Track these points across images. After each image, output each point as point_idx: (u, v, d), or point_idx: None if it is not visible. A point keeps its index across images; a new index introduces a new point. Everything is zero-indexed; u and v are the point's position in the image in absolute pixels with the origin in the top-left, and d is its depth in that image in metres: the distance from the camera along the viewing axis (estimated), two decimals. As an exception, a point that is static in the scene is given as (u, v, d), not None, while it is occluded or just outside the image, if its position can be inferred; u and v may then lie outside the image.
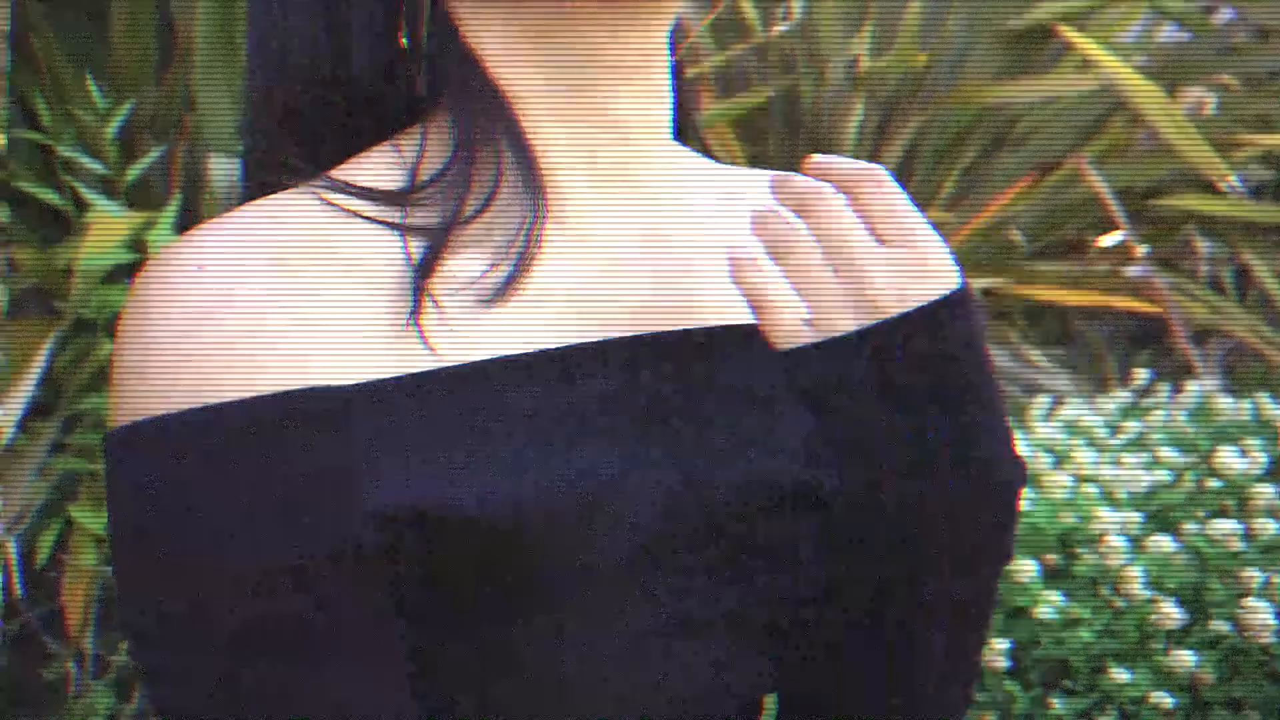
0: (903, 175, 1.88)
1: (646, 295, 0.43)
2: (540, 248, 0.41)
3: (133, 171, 1.10)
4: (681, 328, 0.44)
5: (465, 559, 0.37)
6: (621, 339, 0.42)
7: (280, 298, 0.37)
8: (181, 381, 0.36)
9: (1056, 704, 1.09)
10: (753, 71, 1.89)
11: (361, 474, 0.36)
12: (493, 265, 0.40)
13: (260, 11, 0.43)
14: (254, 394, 0.35)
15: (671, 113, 0.45)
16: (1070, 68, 1.84)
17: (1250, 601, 1.03)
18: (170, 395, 0.36)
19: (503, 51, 0.42)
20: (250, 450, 0.35)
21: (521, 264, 0.40)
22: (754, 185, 0.50)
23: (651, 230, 0.44)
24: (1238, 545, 1.10)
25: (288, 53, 0.42)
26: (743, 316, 0.45)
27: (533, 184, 0.41)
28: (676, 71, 0.47)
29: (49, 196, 1.12)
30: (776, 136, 1.87)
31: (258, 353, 0.36)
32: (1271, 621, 1.02)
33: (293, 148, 0.43)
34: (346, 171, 0.42)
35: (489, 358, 0.39)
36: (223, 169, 1.11)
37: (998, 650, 1.12)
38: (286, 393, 0.36)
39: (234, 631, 0.36)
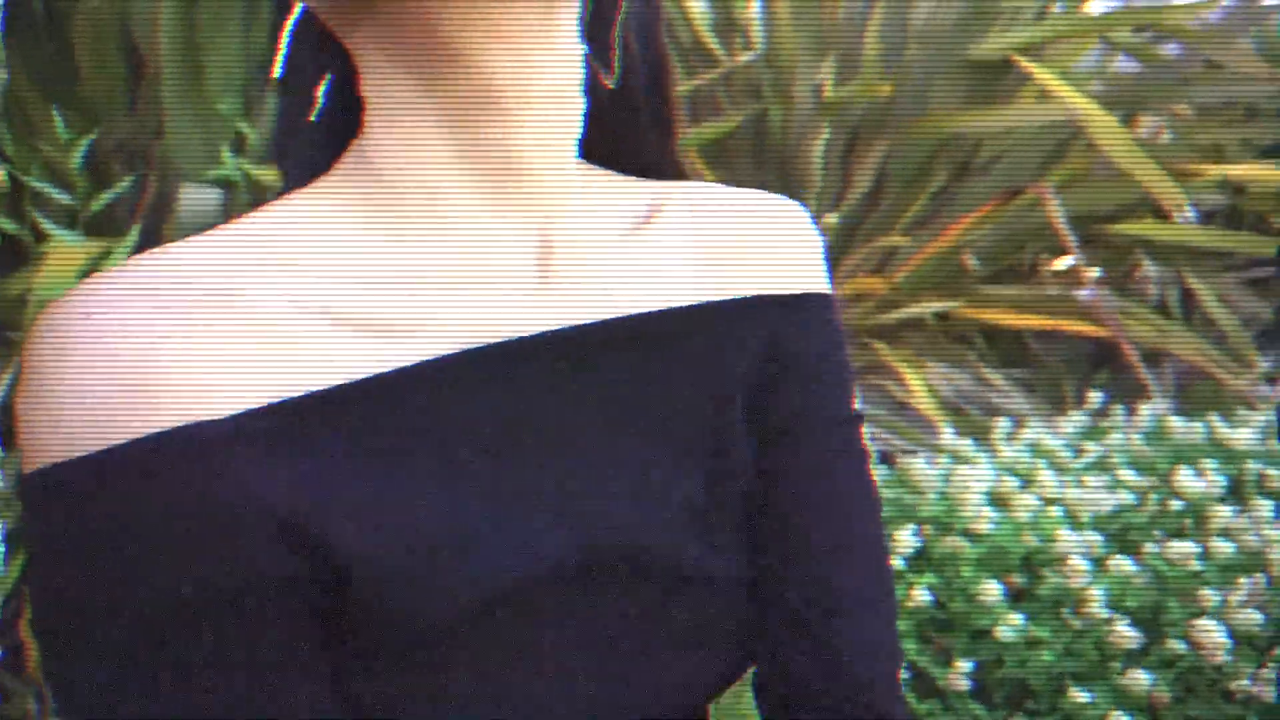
0: (870, 201, 1.91)
1: (539, 320, 0.43)
2: (437, 274, 0.42)
3: (97, 202, 1.08)
4: (581, 322, 0.43)
5: (365, 591, 0.38)
6: (543, 335, 0.42)
7: (165, 336, 0.37)
8: (75, 428, 0.36)
9: (1022, 725, 1.11)
10: (721, 98, 1.92)
11: (251, 504, 0.36)
12: (388, 296, 0.41)
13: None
14: (143, 434, 0.36)
15: (580, 132, 0.45)
16: (1030, 97, 1.89)
17: (1203, 621, 1.06)
18: (67, 443, 0.36)
19: (393, 85, 0.42)
20: (137, 490, 0.36)
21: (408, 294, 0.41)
22: (668, 194, 0.50)
23: (548, 256, 0.44)
24: (1195, 565, 1.13)
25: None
26: (639, 307, 0.45)
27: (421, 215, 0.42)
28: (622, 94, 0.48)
29: (5, 225, 1.09)
30: (745, 162, 1.89)
31: (145, 394, 0.36)
32: (1224, 640, 1.05)
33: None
34: (276, 208, 0.43)
35: (370, 375, 0.39)
36: (192, 199, 1.09)
37: (960, 671, 1.13)
38: (166, 431, 0.36)
39: (155, 670, 0.36)
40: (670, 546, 0.44)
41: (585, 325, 0.43)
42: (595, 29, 0.46)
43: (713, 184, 0.52)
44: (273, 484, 0.36)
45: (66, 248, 1.05)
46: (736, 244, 0.49)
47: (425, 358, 0.40)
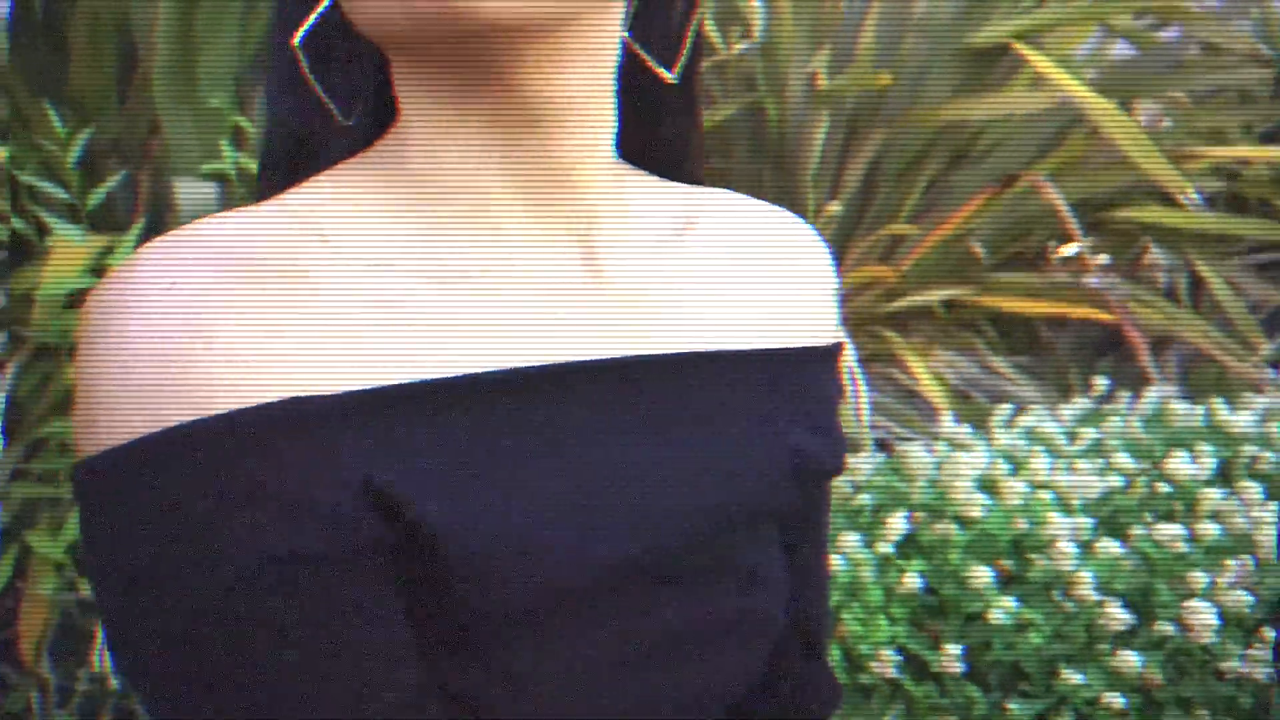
0: (866, 191, 1.92)
1: (589, 321, 0.45)
2: (483, 274, 0.43)
3: (94, 197, 1.11)
4: (638, 353, 0.45)
5: (445, 572, 0.38)
6: (594, 362, 0.44)
7: (253, 313, 0.37)
8: (164, 401, 0.36)
9: (1013, 707, 1.12)
10: (716, 88, 1.92)
11: (348, 481, 0.37)
12: (441, 291, 0.42)
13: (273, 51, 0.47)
14: (227, 409, 0.36)
15: (615, 135, 0.46)
16: (1027, 84, 1.88)
17: (1192, 603, 1.06)
18: (153, 415, 0.36)
19: (429, 89, 0.43)
20: (240, 459, 0.36)
21: (464, 291, 0.42)
22: (702, 204, 0.51)
23: (592, 257, 0.46)
24: (1183, 548, 1.13)
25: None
26: (692, 339, 0.47)
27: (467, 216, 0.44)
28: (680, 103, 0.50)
29: (14, 223, 1.12)
30: (742, 152, 1.90)
31: (236, 370, 0.36)
32: (1212, 621, 1.05)
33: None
34: (315, 187, 0.44)
35: (466, 373, 0.40)
36: (188, 192, 1.12)
37: (952, 655, 1.14)
38: (270, 404, 0.36)
39: (241, 639, 0.36)
40: (730, 547, 0.47)
41: (653, 356, 0.45)
42: (645, 24, 0.47)
43: (737, 195, 0.54)
44: (370, 460, 0.37)
45: (70, 244, 1.08)
46: (780, 280, 0.51)
47: (489, 355, 0.41)
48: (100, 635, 1.10)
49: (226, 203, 1.16)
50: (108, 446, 0.36)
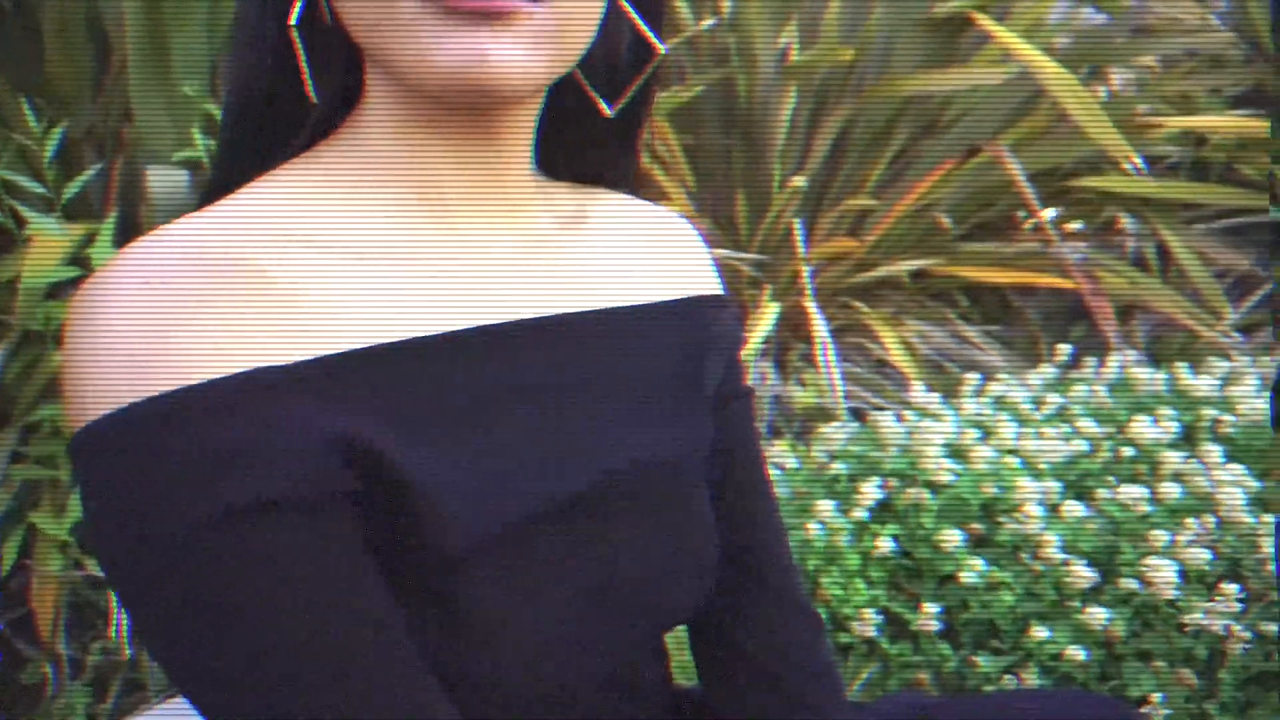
0: (833, 163, 1.93)
1: (520, 286, 0.51)
2: (432, 253, 0.48)
3: (69, 190, 1.11)
4: (567, 310, 0.51)
5: (409, 514, 0.43)
6: (532, 320, 0.49)
7: (219, 304, 0.41)
8: (147, 375, 0.40)
9: (982, 662, 1.16)
10: (687, 64, 1.93)
11: (310, 436, 0.41)
12: (393, 266, 0.47)
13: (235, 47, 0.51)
14: (212, 376, 0.40)
15: (533, 149, 0.53)
16: (992, 55, 1.90)
17: (1152, 560, 1.10)
18: (139, 386, 0.40)
19: (401, 106, 0.48)
20: (214, 420, 0.40)
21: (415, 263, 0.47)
22: (597, 200, 0.59)
23: (524, 240, 0.53)
24: (1145, 509, 1.17)
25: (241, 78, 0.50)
26: (607, 299, 0.54)
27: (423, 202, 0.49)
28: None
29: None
30: (712, 127, 1.91)
31: (209, 347, 0.41)
32: (1173, 578, 1.09)
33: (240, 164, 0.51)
34: (269, 184, 0.48)
35: (418, 335, 0.45)
36: (161, 181, 1.12)
37: (929, 614, 1.18)
38: (240, 372, 0.40)
39: (219, 574, 0.40)
40: (662, 482, 0.53)
41: (576, 313, 0.52)
42: (599, 64, 0.54)
43: (622, 194, 0.62)
44: (333, 415, 0.42)
45: (49, 235, 1.08)
46: (664, 252, 0.60)
47: (439, 319, 0.46)
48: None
49: (198, 188, 1.17)
50: (99, 415, 0.40)
